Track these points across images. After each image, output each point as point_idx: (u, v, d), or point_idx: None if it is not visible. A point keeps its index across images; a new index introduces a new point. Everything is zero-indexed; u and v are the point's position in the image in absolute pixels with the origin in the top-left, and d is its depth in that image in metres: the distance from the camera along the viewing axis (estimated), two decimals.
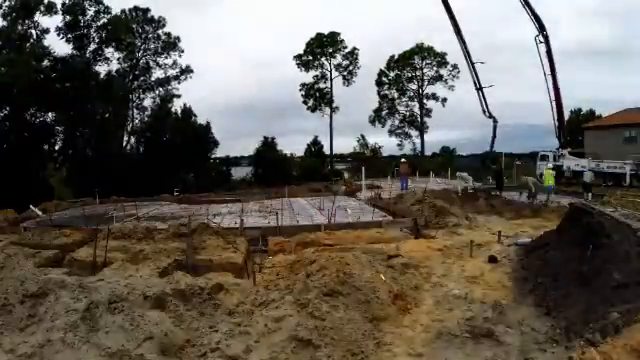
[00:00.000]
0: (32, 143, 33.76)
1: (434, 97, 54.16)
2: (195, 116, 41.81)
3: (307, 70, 53.72)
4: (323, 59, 53.57)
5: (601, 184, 27.13)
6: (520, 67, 78.31)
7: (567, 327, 5.09)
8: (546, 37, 27.96)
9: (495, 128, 26.94)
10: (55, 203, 20.48)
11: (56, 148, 38.20)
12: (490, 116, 25.73)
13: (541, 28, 27.91)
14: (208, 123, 42.21)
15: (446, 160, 48.72)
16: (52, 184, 36.41)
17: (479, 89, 25.01)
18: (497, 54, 79.45)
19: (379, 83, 55.15)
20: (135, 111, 43.87)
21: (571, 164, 31.14)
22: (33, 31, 37.36)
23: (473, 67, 24.87)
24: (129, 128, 43.10)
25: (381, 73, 54.83)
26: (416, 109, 55.46)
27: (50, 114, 36.88)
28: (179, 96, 43.54)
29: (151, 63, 43.86)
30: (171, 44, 43.71)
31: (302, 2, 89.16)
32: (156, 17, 43.13)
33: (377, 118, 55.65)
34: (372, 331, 5.36)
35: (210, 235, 9.73)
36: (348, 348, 4.96)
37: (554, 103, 29.24)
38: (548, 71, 28.33)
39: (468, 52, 24.71)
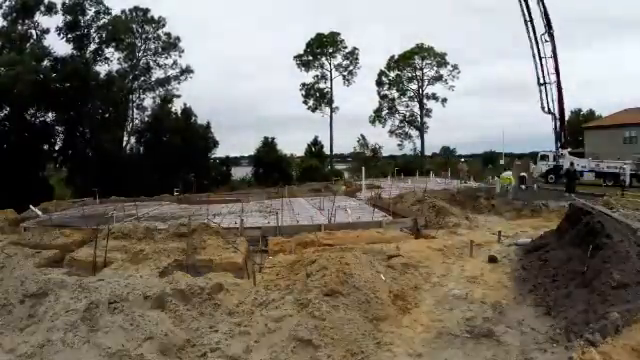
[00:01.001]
0: (32, 143, 33.68)
1: (434, 97, 54.28)
2: (195, 116, 41.86)
3: (307, 70, 53.82)
4: (323, 59, 53.63)
5: (601, 184, 27.13)
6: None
7: (567, 327, 5.09)
8: (552, 35, 27.81)
9: (556, 124, 27.07)
10: (55, 203, 20.47)
11: (56, 148, 38.12)
12: (549, 112, 25.59)
13: (549, 26, 27.74)
14: (208, 123, 42.24)
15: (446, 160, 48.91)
16: (52, 184, 36.40)
17: (542, 84, 24.78)
18: None
19: (379, 83, 55.21)
20: (135, 111, 43.92)
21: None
22: (33, 31, 37.37)
23: (540, 60, 24.55)
24: (129, 128, 43.13)
25: (381, 73, 54.91)
26: (416, 109, 55.54)
27: (50, 114, 36.84)
28: (179, 96, 43.61)
29: (151, 63, 43.88)
30: (171, 44, 43.72)
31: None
32: (156, 17, 43.23)
33: (377, 118, 55.73)
34: (372, 331, 5.36)
35: (210, 235, 9.73)
36: (348, 348, 4.96)
37: (556, 102, 29.22)
38: (553, 70, 28.25)
39: (537, 41, 24.34)
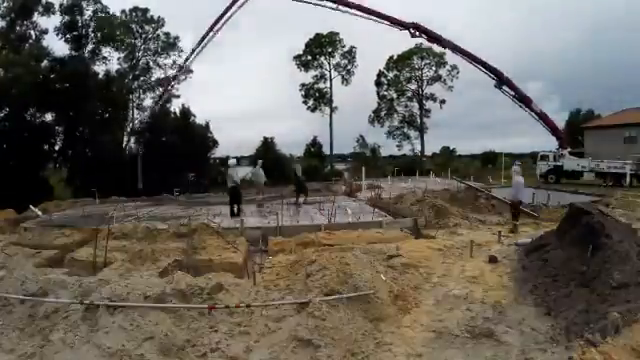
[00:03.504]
0: (32, 143, 33.67)
1: (433, 98, 54.33)
2: (194, 116, 41.83)
3: (306, 70, 53.88)
4: (322, 59, 53.67)
5: (601, 184, 27.18)
6: None
7: (567, 327, 5.09)
8: (508, 82, 28.68)
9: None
10: (55, 203, 20.47)
11: (56, 148, 38.10)
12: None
13: (499, 77, 28.66)
14: (207, 123, 42.20)
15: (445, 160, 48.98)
16: (52, 184, 36.38)
17: None
18: None
19: (378, 84, 55.26)
20: (135, 111, 43.90)
21: (571, 164, 31.20)
22: (32, 32, 37.36)
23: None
24: (129, 128, 43.12)
25: (380, 74, 54.94)
26: (415, 109, 55.59)
27: (50, 114, 36.83)
28: (178, 96, 43.58)
29: (151, 63, 43.87)
30: (170, 44, 43.69)
31: None
32: (155, 17, 43.20)
33: (376, 118, 55.78)
34: (372, 331, 5.36)
35: (210, 235, 9.73)
36: (348, 348, 4.96)
37: (544, 124, 29.96)
38: (525, 107, 29.28)
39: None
